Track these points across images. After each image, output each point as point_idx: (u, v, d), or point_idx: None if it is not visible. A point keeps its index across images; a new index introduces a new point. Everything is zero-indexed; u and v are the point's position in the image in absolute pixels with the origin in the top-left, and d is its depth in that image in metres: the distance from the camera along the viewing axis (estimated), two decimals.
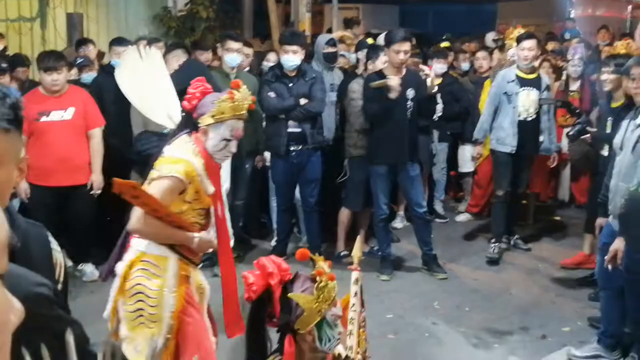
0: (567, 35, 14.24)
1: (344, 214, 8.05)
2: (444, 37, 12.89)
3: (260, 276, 2.97)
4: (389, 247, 7.72)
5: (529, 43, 7.93)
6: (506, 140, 7.99)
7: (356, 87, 7.71)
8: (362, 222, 8.21)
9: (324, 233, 8.10)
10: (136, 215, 3.73)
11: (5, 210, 1.96)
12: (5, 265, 1.00)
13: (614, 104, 6.94)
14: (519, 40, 8.13)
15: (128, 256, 3.93)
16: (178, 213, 3.85)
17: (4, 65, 7.65)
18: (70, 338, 1.68)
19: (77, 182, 7.13)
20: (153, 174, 3.83)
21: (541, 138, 8.20)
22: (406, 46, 7.16)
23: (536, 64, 8.68)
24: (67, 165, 7.05)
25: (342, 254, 7.84)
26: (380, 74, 7.31)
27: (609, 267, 5.23)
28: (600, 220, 5.83)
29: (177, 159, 3.82)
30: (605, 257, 5.28)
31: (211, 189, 3.96)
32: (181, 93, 7.05)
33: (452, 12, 17.57)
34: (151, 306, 3.81)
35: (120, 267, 3.92)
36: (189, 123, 4.03)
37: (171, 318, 3.84)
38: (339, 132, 8.13)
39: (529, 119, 7.99)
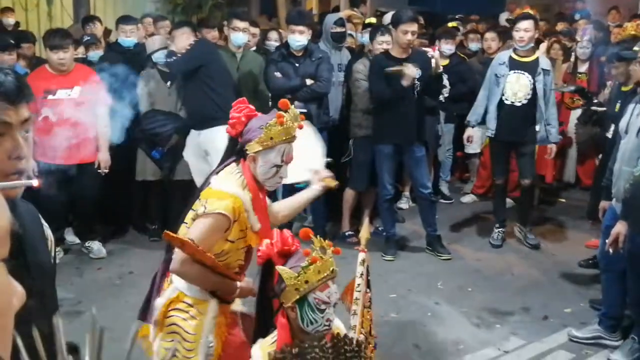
0: (576, 16, 14.14)
1: (349, 194, 8.07)
2: (456, 17, 12.83)
3: (267, 245, 3.07)
4: (394, 227, 7.75)
5: (525, 24, 7.54)
6: (489, 124, 7.85)
7: (361, 67, 7.72)
8: (367, 202, 8.25)
9: (329, 213, 8.14)
10: (180, 257, 3.48)
11: None
12: (7, 251, 1.03)
13: (625, 88, 6.98)
14: (515, 21, 7.88)
15: (167, 293, 3.72)
16: (219, 254, 3.59)
17: (12, 41, 7.67)
18: (59, 322, 1.71)
19: (83, 160, 7.15)
20: (199, 208, 3.55)
21: (537, 127, 7.69)
22: (414, 27, 7.16)
23: (543, 47, 8.64)
24: (74, 144, 7.08)
25: (347, 233, 7.90)
26: (387, 55, 7.31)
27: (610, 250, 5.26)
28: (603, 204, 5.85)
29: (225, 194, 3.54)
30: (607, 240, 5.31)
31: (257, 225, 3.65)
32: (194, 71, 7.13)
33: None
34: (187, 350, 3.64)
35: (159, 303, 3.72)
36: (235, 150, 3.70)
37: None
38: (344, 112, 8.13)
39: (517, 103, 7.61)
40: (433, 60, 7.21)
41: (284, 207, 4.19)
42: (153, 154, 7.62)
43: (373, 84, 7.34)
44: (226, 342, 3.72)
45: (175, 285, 3.68)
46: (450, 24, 10.92)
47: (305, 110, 7.32)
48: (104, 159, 7.24)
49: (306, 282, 2.94)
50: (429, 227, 7.72)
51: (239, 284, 3.66)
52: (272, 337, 3.06)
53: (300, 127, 3.68)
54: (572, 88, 8.97)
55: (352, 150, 7.90)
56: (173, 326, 3.66)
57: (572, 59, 9.76)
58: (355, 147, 7.87)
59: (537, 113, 7.62)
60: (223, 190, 3.55)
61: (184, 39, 7.94)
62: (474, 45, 10.40)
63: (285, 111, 3.58)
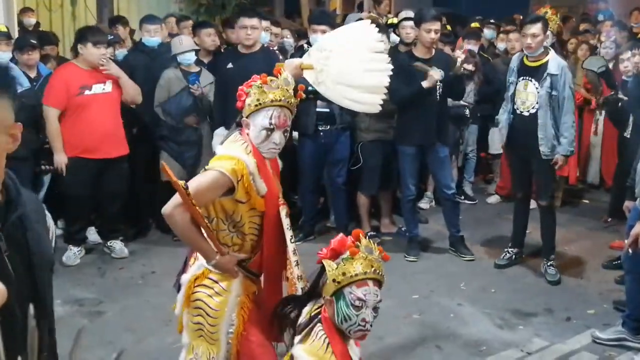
0: (600, 17, 14.06)
1: (362, 199, 8.06)
2: (486, 20, 12.74)
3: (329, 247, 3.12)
4: (416, 227, 7.71)
5: (532, 28, 6.77)
6: (502, 132, 7.36)
7: None
8: (384, 200, 8.32)
9: (351, 212, 8.13)
10: (175, 200, 3.52)
11: (9, 179, 2.03)
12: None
13: None
14: (521, 25, 7.35)
15: (193, 269, 3.77)
16: (232, 215, 3.65)
17: (33, 41, 7.71)
18: (51, 302, 1.73)
19: (119, 154, 7.26)
20: (204, 169, 3.62)
21: (540, 135, 6.82)
22: (436, 25, 7.12)
23: (572, 49, 8.45)
24: (110, 138, 7.13)
25: (368, 234, 7.88)
26: (410, 54, 7.30)
27: (630, 250, 5.21)
28: (627, 203, 5.80)
29: (228, 156, 3.58)
30: (626, 242, 5.26)
31: (263, 189, 3.63)
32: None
33: None
34: (210, 325, 3.70)
35: (184, 279, 3.77)
36: (237, 121, 3.82)
37: (231, 339, 3.72)
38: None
39: (526, 113, 6.91)
40: (459, 60, 7.18)
41: None
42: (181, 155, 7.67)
43: (392, 82, 7.27)
44: (247, 322, 3.75)
45: (201, 261, 3.73)
46: (473, 25, 10.86)
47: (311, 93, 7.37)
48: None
49: (343, 273, 2.98)
50: (452, 227, 7.66)
51: (219, 256, 3.63)
52: (323, 338, 3.03)
53: (300, 97, 3.79)
54: (603, 68, 8.76)
55: (360, 154, 7.85)
56: (198, 302, 3.72)
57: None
58: (363, 152, 7.82)
59: (539, 120, 6.83)
60: (226, 154, 3.61)
61: (207, 39, 8.00)
62: (502, 46, 10.28)
63: (277, 76, 3.70)
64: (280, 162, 3.96)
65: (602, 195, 9.76)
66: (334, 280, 2.99)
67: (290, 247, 3.73)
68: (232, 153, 3.60)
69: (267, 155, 3.72)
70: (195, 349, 3.75)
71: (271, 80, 3.67)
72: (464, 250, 7.62)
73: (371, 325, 3.01)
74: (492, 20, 11.32)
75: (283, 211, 3.76)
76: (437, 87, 7.13)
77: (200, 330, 3.72)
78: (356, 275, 2.97)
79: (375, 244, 3.10)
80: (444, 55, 7.32)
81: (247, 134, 3.69)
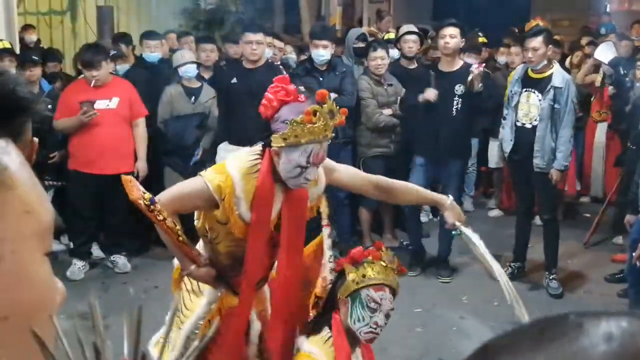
0: (602, 30, 14.07)
1: (364, 214, 8.08)
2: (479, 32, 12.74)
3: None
4: (419, 241, 7.70)
5: (534, 42, 6.71)
6: (504, 144, 7.28)
7: (364, 84, 7.69)
8: (386, 213, 8.32)
9: (353, 226, 8.14)
10: (170, 192, 3.39)
11: None
12: (50, 245, 1.05)
13: None
14: (523, 38, 7.22)
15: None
16: (209, 230, 3.40)
17: (35, 57, 7.78)
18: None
19: (120, 171, 7.16)
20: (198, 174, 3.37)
21: (536, 147, 6.82)
22: (449, 30, 7.07)
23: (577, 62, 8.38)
24: (112, 154, 7.17)
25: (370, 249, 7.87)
26: (434, 67, 7.32)
27: (638, 263, 5.22)
28: (629, 217, 5.81)
29: (222, 170, 3.28)
30: (634, 254, 5.26)
31: (247, 216, 3.28)
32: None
33: (485, 5, 17.42)
34: (181, 321, 3.55)
35: (174, 263, 3.64)
36: (264, 135, 3.32)
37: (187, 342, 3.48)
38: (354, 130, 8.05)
39: (528, 125, 6.89)
40: (470, 76, 7.02)
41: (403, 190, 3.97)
42: (186, 164, 7.65)
43: (406, 92, 7.31)
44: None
45: None
46: (479, 39, 10.86)
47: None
48: (142, 167, 7.36)
49: (364, 275, 3.17)
50: (441, 246, 7.56)
51: (194, 267, 3.37)
52: (327, 333, 3.22)
53: (342, 123, 3.31)
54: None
55: (362, 170, 7.81)
56: (180, 290, 3.67)
57: (600, 73, 9.62)
58: (365, 167, 7.78)
59: (537, 132, 6.81)
60: (222, 167, 3.33)
61: (205, 55, 8.06)
62: (502, 59, 10.23)
63: (322, 104, 3.16)
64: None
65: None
66: (353, 281, 3.17)
67: (328, 266, 3.58)
68: (228, 168, 3.29)
69: (294, 187, 3.35)
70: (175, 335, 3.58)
71: (315, 114, 3.14)
72: (443, 271, 7.50)
73: (381, 330, 3.16)
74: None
75: (326, 231, 3.72)
76: (455, 102, 7.08)
77: (178, 318, 3.54)
78: (376, 279, 3.15)
79: (395, 257, 3.30)
80: (468, 70, 7.17)
81: (271, 158, 3.27)
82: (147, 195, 3.17)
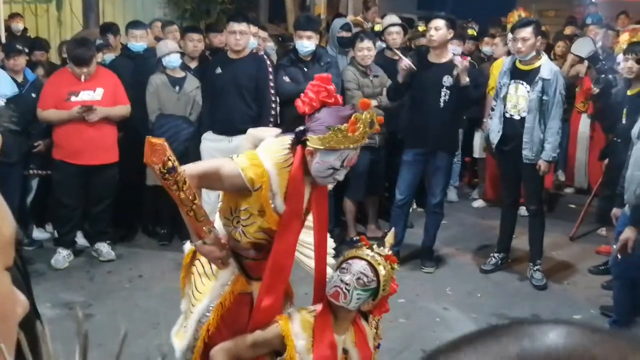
0: (588, 20, 14.03)
1: (349, 204, 8.06)
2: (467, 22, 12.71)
3: None
4: (403, 232, 7.70)
5: (523, 32, 6.66)
6: (491, 136, 7.19)
7: (350, 75, 7.66)
8: (371, 204, 8.35)
9: (336, 218, 8.13)
10: (199, 167, 3.39)
11: None
12: (11, 260, 1.04)
13: (631, 92, 6.88)
14: (513, 28, 7.14)
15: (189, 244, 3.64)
16: (244, 211, 3.38)
17: (19, 47, 7.74)
18: (40, 327, 1.72)
19: (104, 161, 7.28)
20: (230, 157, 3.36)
21: (525, 138, 6.78)
22: (434, 23, 6.96)
23: (560, 52, 8.36)
24: (96, 145, 7.17)
25: (354, 239, 7.88)
26: (423, 57, 7.25)
27: (619, 255, 5.24)
28: (615, 211, 5.81)
29: (259, 163, 3.28)
30: (615, 246, 5.29)
31: (281, 208, 3.36)
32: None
33: None
34: (192, 305, 3.58)
35: (185, 248, 3.70)
36: (298, 130, 3.36)
37: (200, 329, 3.56)
38: None
39: (517, 117, 6.86)
40: (454, 70, 6.94)
41: None
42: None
43: (392, 81, 7.31)
44: (221, 321, 3.56)
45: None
46: (470, 32, 10.85)
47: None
48: (100, 112, 7.16)
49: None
50: (426, 236, 7.56)
51: (199, 242, 3.35)
52: (313, 307, 3.45)
53: (377, 131, 3.47)
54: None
55: None
56: (191, 275, 3.66)
57: (585, 64, 9.57)
58: None
59: (526, 124, 6.78)
60: (260, 158, 3.31)
61: (191, 45, 8.03)
62: (487, 49, 10.19)
63: (364, 112, 3.28)
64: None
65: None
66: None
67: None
68: (264, 161, 3.29)
69: (321, 184, 3.49)
70: (187, 318, 3.63)
71: (358, 123, 3.25)
72: (428, 262, 7.49)
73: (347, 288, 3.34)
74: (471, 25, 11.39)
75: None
76: (443, 93, 7.00)
77: (189, 302, 3.63)
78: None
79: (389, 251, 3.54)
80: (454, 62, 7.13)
81: (303, 155, 3.33)
82: (170, 163, 3.11)
